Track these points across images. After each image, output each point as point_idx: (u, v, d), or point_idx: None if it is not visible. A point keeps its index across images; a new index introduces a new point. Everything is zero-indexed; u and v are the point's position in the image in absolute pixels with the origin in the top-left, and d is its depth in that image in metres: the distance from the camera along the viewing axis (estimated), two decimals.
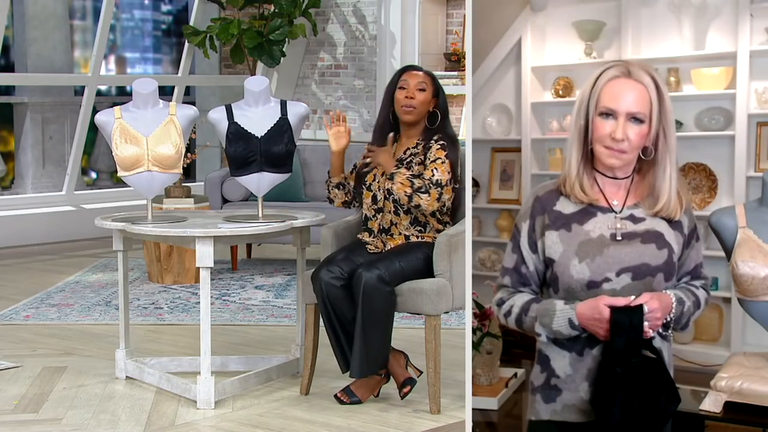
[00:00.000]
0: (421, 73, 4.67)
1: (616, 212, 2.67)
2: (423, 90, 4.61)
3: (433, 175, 4.48)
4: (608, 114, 2.62)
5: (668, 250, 2.69)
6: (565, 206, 2.68)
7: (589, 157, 2.68)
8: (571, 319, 2.60)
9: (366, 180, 4.68)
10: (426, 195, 4.45)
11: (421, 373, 4.62)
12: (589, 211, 2.67)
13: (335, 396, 4.59)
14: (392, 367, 4.57)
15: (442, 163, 4.51)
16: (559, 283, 2.66)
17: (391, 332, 4.47)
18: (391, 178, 4.50)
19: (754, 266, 3.40)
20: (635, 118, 2.63)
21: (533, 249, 2.70)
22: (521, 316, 2.71)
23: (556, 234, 2.64)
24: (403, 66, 4.84)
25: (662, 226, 2.69)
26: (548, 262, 2.69)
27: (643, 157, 2.68)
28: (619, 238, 2.64)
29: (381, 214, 4.63)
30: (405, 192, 4.47)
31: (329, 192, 4.81)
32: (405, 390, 4.54)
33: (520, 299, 2.73)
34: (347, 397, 4.56)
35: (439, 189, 4.47)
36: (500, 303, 2.79)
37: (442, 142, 4.56)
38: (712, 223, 3.47)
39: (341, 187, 4.77)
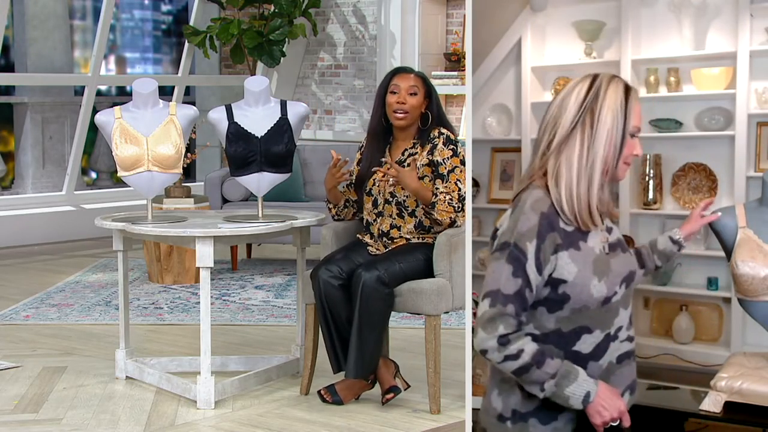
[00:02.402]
0: (411, 75, 4.60)
1: (600, 226, 2.67)
2: (414, 94, 4.56)
3: (461, 190, 4.45)
4: (635, 133, 2.63)
5: (632, 254, 2.73)
6: (564, 224, 2.64)
7: None
8: (589, 392, 2.53)
9: (366, 185, 4.66)
10: (462, 213, 4.45)
11: (409, 386, 4.59)
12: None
13: (318, 392, 4.58)
14: (380, 372, 4.53)
15: (461, 171, 4.48)
16: (568, 303, 2.57)
17: (384, 335, 4.46)
18: (432, 207, 4.47)
19: (754, 266, 3.41)
20: None
21: (539, 271, 2.54)
22: (531, 366, 2.52)
23: (567, 254, 2.56)
24: (394, 68, 4.77)
25: (619, 233, 2.72)
26: (554, 283, 2.57)
27: None
28: (607, 251, 2.64)
29: (381, 218, 4.61)
30: (450, 217, 4.45)
31: (337, 215, 4.77)
32: (388, 396, 4.50)
33: (529, 346, 2.52)
34: (330, 396, 4.54)
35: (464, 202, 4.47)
36: (505, 342, 2.50)
37: (452, 146, 4.52)
38: (712, 224, 3.47)
39: (347, 205, 4.75)
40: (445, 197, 4.44)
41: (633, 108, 2.61)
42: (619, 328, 2.63)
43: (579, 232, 2.60)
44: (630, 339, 2.67)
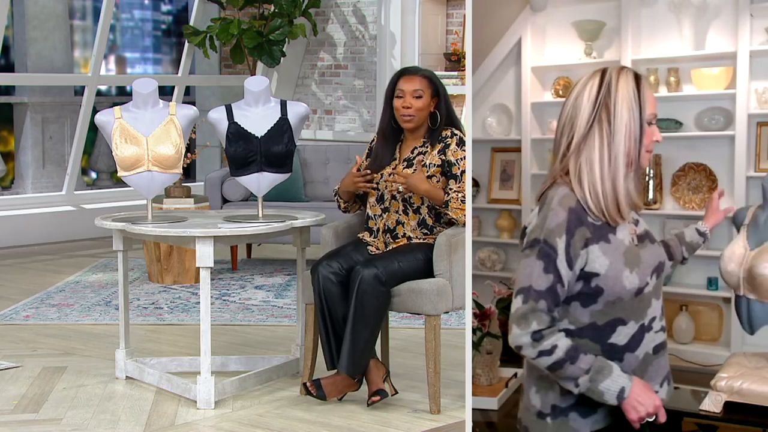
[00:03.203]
0: (416, 77, 4.58)
1: (628, 219, 2.68)
2: (419, 97, 4.55)
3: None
4: (652, 121, 2.63)
5: (660, 245, 2.75)
6: (592, 218, 2.64)
7: None
8: (624, 388, 2.54)
9: (373, 179, 4.66)
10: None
11: (396, 393, 4.56)
12: None
13: (303, 384, 4.56)
14: (370, 374, 4.50)
15: None
16: (602, 296, 2.58)
17: (377, 333, 4.46)
18: (446, 206, 4.48)
19: (727, 262, 3.48)
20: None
21: (570, 266, 2.56)
22: (565, 362, 2.54)
23: (598, 247, 2.57)
24: (399, 69, 4.76)
25: (645, 224, 2.73)
26: (586, 277, 2.58)
27: None
28: (636, 242, 2.65)
29: (387, 213, 4.62)
30: (464, 214, 4.46)
31: (345, 209, 4.80)
32: (374, 399, 4.46)
33: (563, 342, 2.55)
34: (315, 389, 4.49)
35: None
36: (538, 338, 2.53)
37: (465, 147, 4.53)
38: (735, 220, 3.56)
39: (356, 200, 4.78)
40: (458, 195, 4.45)
41: (646, 96, 2.62)
42: (653, 319, 2.65)
43: (608, 225, 2.61)
44: (663, 329, 2.70)
